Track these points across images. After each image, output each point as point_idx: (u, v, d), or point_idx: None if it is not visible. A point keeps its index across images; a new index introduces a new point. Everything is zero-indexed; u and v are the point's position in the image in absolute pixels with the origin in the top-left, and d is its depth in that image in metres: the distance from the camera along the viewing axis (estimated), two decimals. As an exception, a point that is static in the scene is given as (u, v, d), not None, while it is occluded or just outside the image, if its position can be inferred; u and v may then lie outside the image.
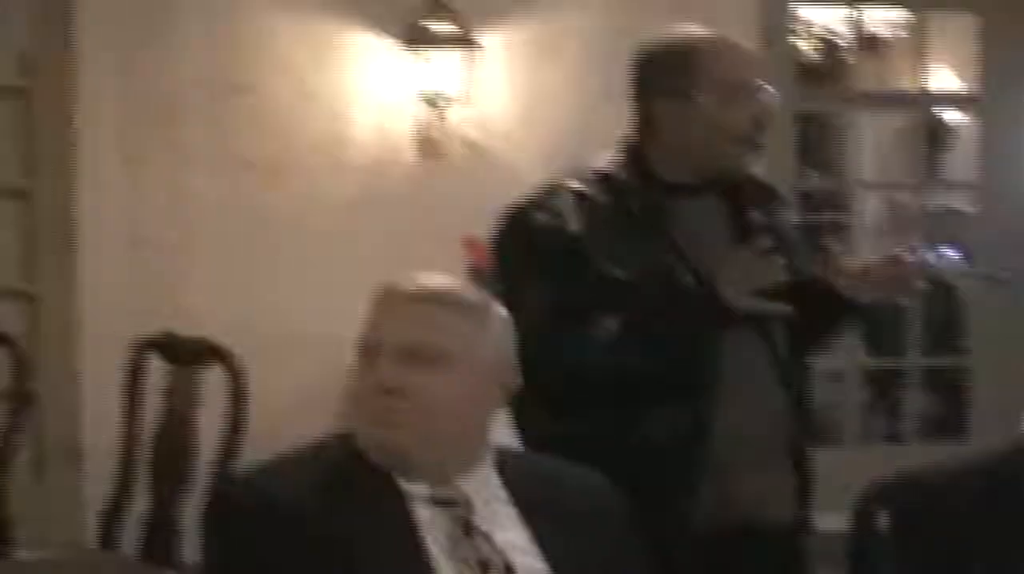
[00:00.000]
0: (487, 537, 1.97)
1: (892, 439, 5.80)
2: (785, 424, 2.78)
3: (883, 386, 5.83)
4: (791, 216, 2.98)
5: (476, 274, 4.23)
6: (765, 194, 2.91)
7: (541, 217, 2.72)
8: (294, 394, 4.43)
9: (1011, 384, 5.25)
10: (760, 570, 2.77)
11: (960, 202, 6.23)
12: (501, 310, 2.08)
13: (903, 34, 6.40)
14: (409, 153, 4.84)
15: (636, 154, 2.79)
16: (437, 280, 2.05)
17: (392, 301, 2.01)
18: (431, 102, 4.79)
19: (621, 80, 2.87)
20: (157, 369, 4.06)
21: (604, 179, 2.75)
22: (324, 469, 1.97)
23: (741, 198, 2.82)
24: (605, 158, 2.81)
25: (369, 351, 1.98)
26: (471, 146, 4.88)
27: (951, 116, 6.98)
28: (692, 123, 2.72)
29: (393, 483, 1.96)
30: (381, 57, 4.79)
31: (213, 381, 3.92)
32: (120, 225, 4.60)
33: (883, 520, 2.04)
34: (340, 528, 1.89)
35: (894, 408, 5.76)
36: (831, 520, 2.59)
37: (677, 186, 2.76)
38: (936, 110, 6.62)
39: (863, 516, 2.06)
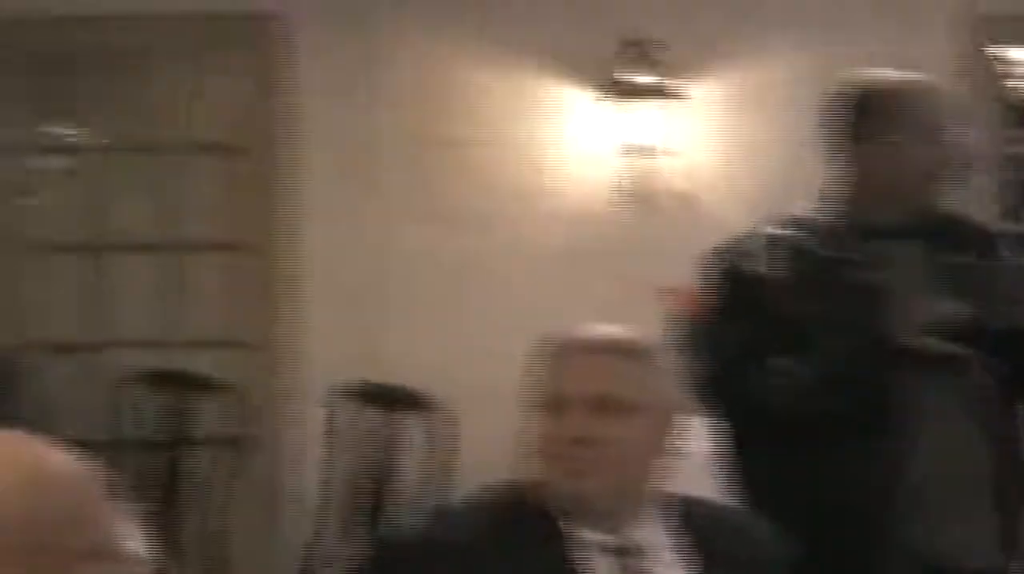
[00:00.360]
0: None
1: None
2: (983, 468, 2.71)
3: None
4: (1015, 260, 2.89)
5: (678, 323, 4.21)
6: (977, 237, 2.85)
7: (731, 260, 2.74)
8: (493, 443, 4.44)
9: None
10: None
11: None
12: (666, 354, 2.10)
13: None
14: (612, 204, 4.85)
15: (835, 198, 2.77)
16: (612, 330, 2.07)
17: (572, 353, 2.03)
18: (635, 153, 4.80)
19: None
20: (364, 415, 4.14)
21: (801, 224, 2.75)
22: (491, 516, 1.99)
23: (949, 241, 2.77)
24: (806, 205, 2.80)
25: (554, 403, 2.00)
26: (675, 196, 4.87)
27: None
28: (887, 164, 2.71)
29: (560, 530, 1.97)
30: (584, 109, 4.82)
31: (416, 427, 3.98)
32: (330, 275, 4.71)
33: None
34: (506, 574, 1.90)
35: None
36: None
37: (875, 229, 2.73)
38: None
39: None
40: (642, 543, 1.98)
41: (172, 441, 4.44)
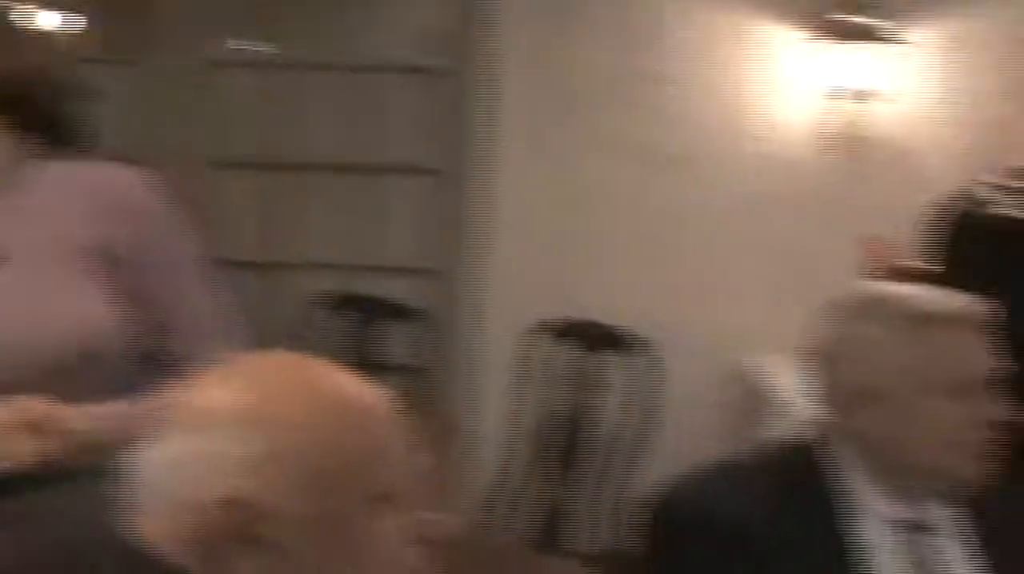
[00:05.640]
0: (945, 569, 1.85)
1: None
2: None
3: None
4: None
5: (879, 276, 4.09)
6: None
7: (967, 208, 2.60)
8: (694, 385, 4.33)
9: None
10: None
11: None
12: None
13: None
14: (817, 149, 4.68)
15: None
16: (954, 298, 1.92)
17: (958, 328, 1.89)
18: (844, 98, 4.62)
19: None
20: (560, 352, 4.05)
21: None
22: (773, 483, 1.87)
23: None
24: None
25: (965, 385, 1.87)
26: (884, 144, 4.68)
27: None
28: None
29: (850, 501, 1.85)
30: (794, 51, 4.65)
31: (616, 367, 3.89)
32: (526, 210, 4.63)
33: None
34: (788, 548, 1.79)
35: None
36: None
37: None
38: None
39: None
40: (937, 523, 1.87)
41: (357, 366, 4.42)
